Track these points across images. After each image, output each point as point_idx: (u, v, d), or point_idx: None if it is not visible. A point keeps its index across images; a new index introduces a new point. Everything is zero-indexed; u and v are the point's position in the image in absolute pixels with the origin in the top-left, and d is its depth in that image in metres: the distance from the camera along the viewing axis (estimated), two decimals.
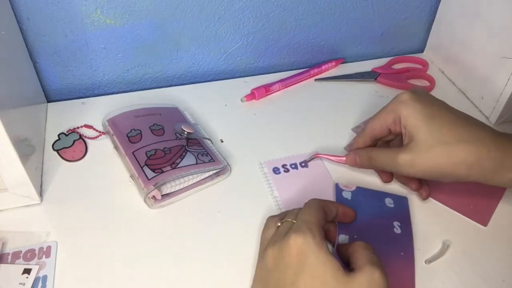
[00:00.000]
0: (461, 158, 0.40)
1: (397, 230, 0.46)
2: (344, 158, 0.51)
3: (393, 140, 0.50)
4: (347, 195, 0.50)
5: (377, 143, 0.51)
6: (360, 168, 0.50)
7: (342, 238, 0.45)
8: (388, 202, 0.49)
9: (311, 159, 0.54)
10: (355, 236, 0.45)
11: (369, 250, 0.38)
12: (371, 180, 0.52)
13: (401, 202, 0.49)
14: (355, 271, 0.35)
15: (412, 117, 0.42)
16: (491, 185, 0.42)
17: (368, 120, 0.49)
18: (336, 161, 0.52)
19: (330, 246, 0.44)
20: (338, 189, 0.50)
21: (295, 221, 0.39)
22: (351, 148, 0.52)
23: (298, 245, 0.35)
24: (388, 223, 0.47)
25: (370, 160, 0.48)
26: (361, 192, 0.50)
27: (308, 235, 0.36)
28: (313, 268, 0.35)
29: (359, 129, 0.59)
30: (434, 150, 0.41)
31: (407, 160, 0.43)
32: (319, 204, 0.41)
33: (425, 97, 0.44)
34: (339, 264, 0.35)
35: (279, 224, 0.40)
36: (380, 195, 0.50)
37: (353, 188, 0.50)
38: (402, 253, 0.45)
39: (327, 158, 0.53)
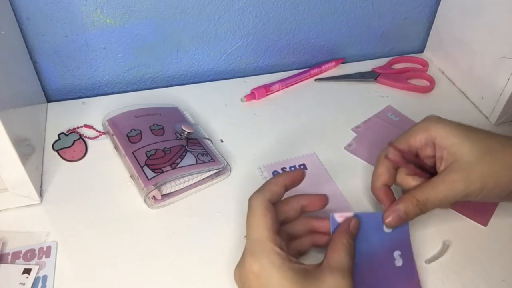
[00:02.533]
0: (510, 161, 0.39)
1: (398, 263, 0.42)
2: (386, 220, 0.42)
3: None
4: None
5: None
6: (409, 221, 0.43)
7: None
8: (386, 227, 0.43)
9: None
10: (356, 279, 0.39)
11: (349, 254, 0.38)
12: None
13: (401, 226, 0.43)
14: (323, 271, 0.35)
15: (451, 135, 0.40)
16: None
17: (386, 147, 0.45)
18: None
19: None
20: (334, 222, 0.42)
21: None
22: (375, 183, 0.46)
23: (256, 272, 0.35)
24: (388, 254, 0.43)
25: (419, 205, 0.41)
26: (360, 219, 0.43)
27: (263, 261, 0.35)
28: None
29: (360, 129, 0.59)
30: (485, 160, 0.39)
31: (463, 178, 0.39)
32: (262, 206, 0.38)
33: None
34: (305, 273, 0.35)
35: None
36: (378, 220, 0.43)
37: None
38: None
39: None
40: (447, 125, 0.42)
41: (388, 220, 0.42)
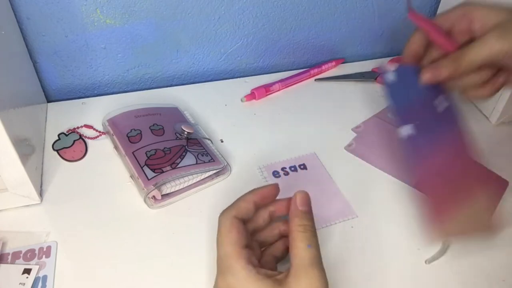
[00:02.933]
0: None
1: (441, 107, 0.43)
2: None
3: None
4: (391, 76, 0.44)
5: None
6: (441, 81, 0.42)
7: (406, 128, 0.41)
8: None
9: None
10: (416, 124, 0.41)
11: (305, 240, 0.36)
12: None
13: None
14: (289, 277, 0.34)
15: (488, 7, 0.40)
16: None
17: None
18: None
19: None
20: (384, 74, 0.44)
21: None
22: (409, 50, 0.44)
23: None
24: (430, 102, 0.43)
25: (455, 60, 0.41)
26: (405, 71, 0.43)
27: (228, 277, 0.35)
28: None
29: (359, 129, 0.59)
30: None
31: (499, 35, 0.38)
32: (227, 222, 0.38)
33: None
34: (273, 284, 0.34)
35: None
36: (414, 75, 0.42)
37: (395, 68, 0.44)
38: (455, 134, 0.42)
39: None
40: (483, 6, 0.41)
41: (426, 75, 0.42)
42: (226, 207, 0.40)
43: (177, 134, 0.54)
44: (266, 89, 0.64)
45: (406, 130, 0.42)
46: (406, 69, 0.44)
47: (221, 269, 0.36)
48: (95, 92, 0.66)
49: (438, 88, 0.43)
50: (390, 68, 0.44)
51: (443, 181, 0.42)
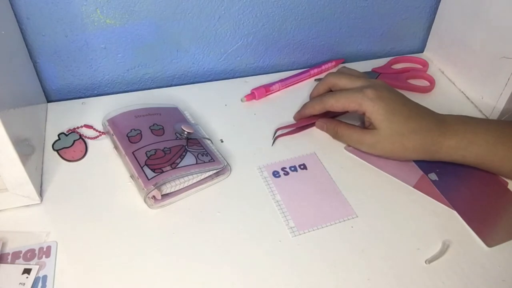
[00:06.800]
0: (411, 145, 0.50)
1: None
2: (305, 122, 0.59)
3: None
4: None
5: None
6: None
7: None
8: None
9: (275, 138, 0.58)
10: None
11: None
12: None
13: None
14: None
15: (376, 113, 0.51)
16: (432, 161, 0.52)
17: (328, 94, 0.55)
18: (298, 126, 0.58)
19: None
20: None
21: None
22: (301, 112, 0.59)
23: None
24: None
25: (336, 133, 0.56)
26: None
27: None
28: None
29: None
30: (392, 138, 0.51)
31: (370, 143, 0.52)
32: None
33: (387, 93, 0.52)
34: None
35: None
36: None
37: None
38: None
39: (289, 130, 0.58)
40: (377, 105, 0.51)
41: (317, 122, 0.59)
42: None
43: (177, 134, 0.54)
44: (266, 89, 0.64)
45: (432, 176, 0.53)
46: None
47: None
48: (95, 92, 0.66)
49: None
50: None
51: (476, 203, 0.50)
